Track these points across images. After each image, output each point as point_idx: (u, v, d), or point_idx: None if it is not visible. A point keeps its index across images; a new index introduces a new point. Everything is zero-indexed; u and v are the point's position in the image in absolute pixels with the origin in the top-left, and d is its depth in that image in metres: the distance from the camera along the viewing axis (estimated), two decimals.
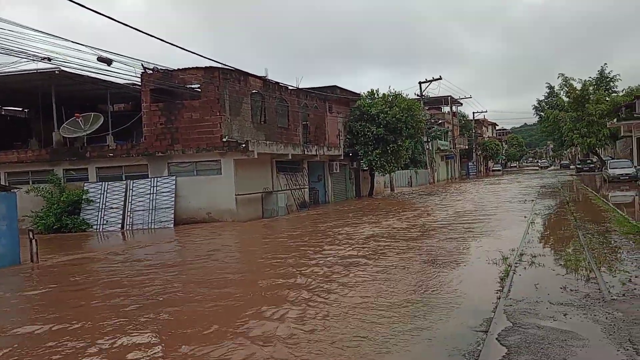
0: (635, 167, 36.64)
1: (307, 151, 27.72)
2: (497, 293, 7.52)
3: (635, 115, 44.93)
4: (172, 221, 21.53)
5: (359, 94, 35.17)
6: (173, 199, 21.98)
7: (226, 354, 5.73)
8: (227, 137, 21.93)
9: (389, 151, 33.20)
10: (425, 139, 50.46)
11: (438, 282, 8.70)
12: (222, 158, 22.10)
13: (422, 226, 16.88)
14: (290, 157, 25.81)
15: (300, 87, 29.16)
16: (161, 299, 8.56)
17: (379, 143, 32.91)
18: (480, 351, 5.24)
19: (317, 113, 31.01)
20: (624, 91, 54.99)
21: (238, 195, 22.14)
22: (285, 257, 12.10)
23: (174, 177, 22.43)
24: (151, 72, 22.25)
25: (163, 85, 22.45)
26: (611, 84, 55.17)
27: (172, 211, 21.79)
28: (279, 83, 26.67)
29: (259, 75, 24.95)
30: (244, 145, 21.76)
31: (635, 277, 7.81)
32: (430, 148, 54.15)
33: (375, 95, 35.00)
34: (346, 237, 15.19)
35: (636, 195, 23.67)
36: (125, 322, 7.18)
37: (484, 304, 7.01)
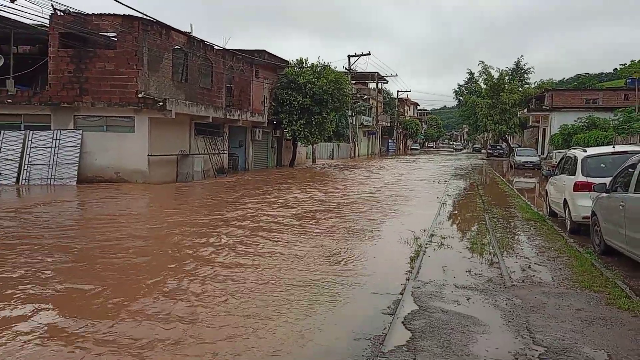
0: (539, 156, 39.04)
1: (230, 115, 26.84)
2: (406, 274, 7.57)
3: (543, 107, 47.68)
4: (75, 178, 20.16)
5: (288, 62, 34.41)
6: (78, 154, 20.52)
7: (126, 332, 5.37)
8: (143, 93, 20.64)
9: (314, 122, 33.07)
10: (349, 113, 50.78)
11: (351, 260, 8.60)
12: (137, 115, 20.87)
13: (340, 200, 16.93)
14: (210, 120, 24.91)
15: (226, 47, 28.01)
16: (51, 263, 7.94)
17: (304, 113, 32.65)
18: (385, 335, 5.19)
19: (242, 77, 30.05)
20: (535, 84, 58.17)
21: (151, 156, 21.06)
22: (197, 223, 11.70)
23: (80, 131, 20.90)
24: (62, 14, 20.42)
25: (74, 29, 20.61)
26: (525, 75, 58.05)
27: (76, 168, 20.36)
28: (204, 41, 25.47)
29: (183, 30, 23.63)
30: (161, 103, 20.60)
31: (534, 263, 8.18)
32: (354, 122, 54.65)
33: (304, 65, 34.44)
34: (263, 205, 14.93)
35: (537, 182, 25.17)
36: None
37: (394, 285, 7.03)
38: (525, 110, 52.32)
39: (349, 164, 41.16)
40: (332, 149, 50.44)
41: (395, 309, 5.98)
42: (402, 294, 6.58)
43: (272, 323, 5.58)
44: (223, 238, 10.18)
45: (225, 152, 28.17)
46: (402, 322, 5.52)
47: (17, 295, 6.37)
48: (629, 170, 7.67)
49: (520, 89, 54.93)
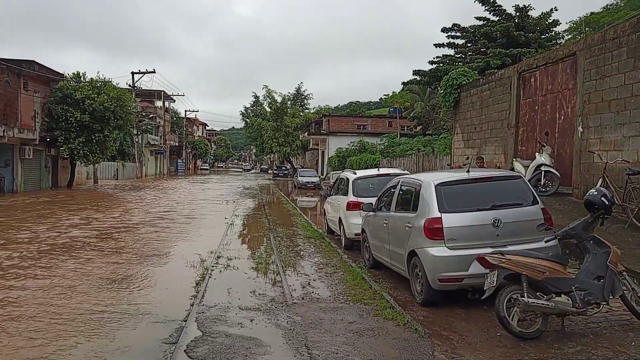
0: (319, 176, 42.06)
1: None
2: (191, 299, 7.42)
3: (322, 131, 51.77)
4: None
5: (63, 75, 31.91)
6: None
7: None
8: None
9: (94, 140, 31.11)
10: (135, 132, 48.30)
11: (131, 287, 8.14)
12: None
13: (123, 224, 15.83)
14: None
15: None
16: None
17: (83, 130, 30.51)
18: None
19: (8, 89, 26.59)
20: (314, 109, 63.00)
21: None
22: None
23: None
24: None
25: None
26: (305, 101, 62.35)
27: None
28: None
29: None
30: None
31: (313, 280, 8.65)
32: (140, 142, 52.11)
33: (82, 79, 32.56)
34: (30, 232, 13.17)
35: (318, 201, 26.95)
36: None
37: (177, 311, 6.82)
38: (307, 133, 56.18)
39: (135, 185, 38.95)
40: (117, 169, 47.35)
41: (177, 337, 5.82)
42: (185, 320, 6.43)
43: None
44: None
45: None
46: (185, 351, 5.39)
47: None
48: (391, 190, 8.61)
49: (301, 114, 58.76)
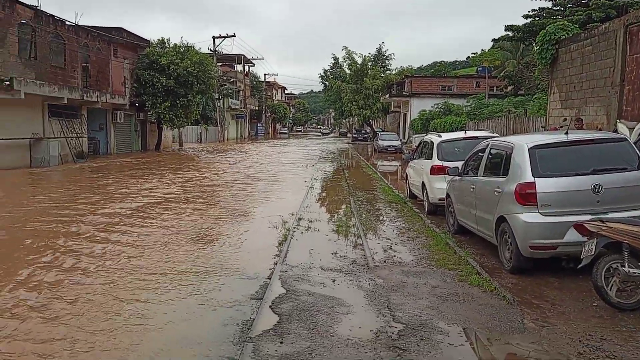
0: (400, 140, 41.27)
1: (87, 97, 25.05)
2: (274, 258, 7.60)
3: (404, 93, 50.52)
4: None
5: (148, 41, 33.14)
6: None
7: None
8: None
9: (179, 105, 32.24)
10: (216, 96, 49.68)
11: (221, 246, 8.48)
12: None
13: (211, 184, 16.80)
14: (66, 102, 23.15)
15: (80, 24, 26.05)
16: None
17: (168, 95, 31.63)
18: (253, 320, 5.18)
19: (99, 56, 28.10)
20: (396, 70, 61.14)
21: None
22: (53, 211, 10.67)
23: None
24: None
25: None
26: (386, 62, 60.71)
27: None
28: (54, 16, 23.56)
29: (28, 4, 21.72)
30: (7, 82, 18.77)
31: (395, 244, 8.56)
32: (222, 106, 53.57)
33: (167, 45, 33.45)
34: (126, 192, 14.08)
35: (399, 165, 26.57)
36: None
37: (262, 269, 7.02)
38: (387, 95, 55.03)
39: (218, 148, 40.37)
40: (200, 133, 49.15)
41: (263, 293, 5.99)
42: (270, 278, 6.60)
43: (140, 313, 5.41)
44: (84, 225, 9.78)
45: (85, 135, 26.53)
46: (270, 307, 5.56)
47: None
48: (479, 154, 8.25)
49: (382, 75, 57.41)
